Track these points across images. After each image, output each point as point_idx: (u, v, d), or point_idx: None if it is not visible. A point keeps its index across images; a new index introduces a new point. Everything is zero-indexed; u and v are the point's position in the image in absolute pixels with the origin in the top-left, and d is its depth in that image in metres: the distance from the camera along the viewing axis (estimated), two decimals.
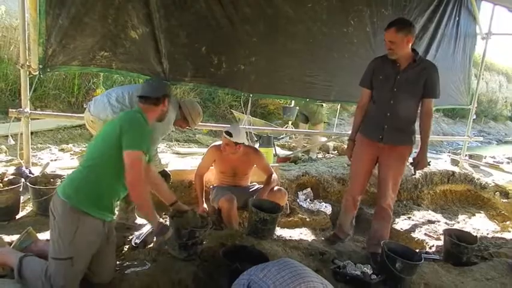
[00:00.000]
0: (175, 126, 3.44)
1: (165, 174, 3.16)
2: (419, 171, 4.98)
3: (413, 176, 5.43)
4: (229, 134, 3.48)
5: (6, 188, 2.90)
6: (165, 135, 3.32)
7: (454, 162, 7.03)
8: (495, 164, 7.00)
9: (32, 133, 3.68)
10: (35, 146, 4.84)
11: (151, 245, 2.87)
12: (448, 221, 4.95)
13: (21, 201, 3.09)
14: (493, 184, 5.72)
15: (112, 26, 3.55)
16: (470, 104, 6.62)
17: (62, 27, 3.32)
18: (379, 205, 3.32)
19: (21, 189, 3.02)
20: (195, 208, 3.39)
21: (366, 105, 3.29)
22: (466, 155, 7.04)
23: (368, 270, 2.89)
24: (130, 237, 3.06)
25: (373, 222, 3.39)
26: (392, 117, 3.09)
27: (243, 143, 3.61)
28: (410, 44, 2.99)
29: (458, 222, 5.07)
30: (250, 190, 3.80)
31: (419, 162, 3.15)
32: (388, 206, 3.27)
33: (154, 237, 2.33)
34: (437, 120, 14.70)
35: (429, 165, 3.24)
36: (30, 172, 3.38)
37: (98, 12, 3.45)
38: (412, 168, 3.26)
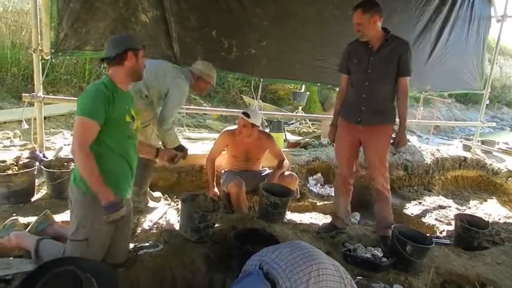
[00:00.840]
0: (196, 92, 3.46)
1: (181, 149, 3.10)
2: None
3: (400, 153, 5.44)
4: (247, 115, 3.49)
5: (22, 171, 2.95)
6: (180, 107, 3.22)
7: (466, 148, 6.95)
8: (508, 150, 6.89)
9: (44, 118, 3.71)
10: (48, 131, 4.89)
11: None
12: (459, 207, 4.93)
13: (36, 184, 3.14)
14: (505, 170, 5.66)
15: (123, 9, 3.56)
16: (484, 89, 6.51)
17: (73, 11, 3.34)
18: (374, 188, 3.32)
19: (35, 173, 3.06)
20: (206, 192, 3.44)
21: (345, 91, 3.27)
22: (478, 140, 6.95)
23: (378, 253, 2.90)
24: (143, 220, 3.11)
25: (375, 206, 3.39)
26: (368, 99, 3.06)
27: (259, 126, 3.64)
28: (378, 24, 2.94)
29: (470, 208, 5.05)
30: (262, 175, 3.80)
31: (399, 141, 3.08)
32: (382, 187, 3.20)
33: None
34: (449, 106, 14.52)
35: (409, 141, 3.23)
36: (44, 156, 3.43)
37: None
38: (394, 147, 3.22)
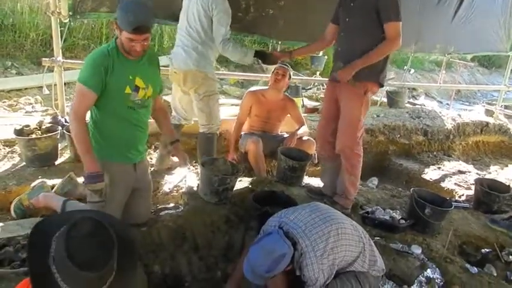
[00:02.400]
0: None
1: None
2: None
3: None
4: (286, 65, 3.60)
5: (45, 135, 3.01)
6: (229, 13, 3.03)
7: (489, 113, 6.80)
8: None
9: (64, 84, 3.74)
10: (68, 97, 4.95)
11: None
12: (479, 172, 4.88)
13: (60, 148, 3.21)
14: None
15: None
16: (510, 51, 6.26)
17: None
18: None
19: (58, 137, 3.13)
20: (225, 156, 3.48)
21: (325, 41, 3.08)
22: (501, 105, 6.77)
23: (397, 215, 2.91)
24: (163, 183, 3.17)
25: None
26: (343, 52, 2.78)
27: (290, 75, 3.68)
28: None
29: (490, 173, 4.99)
30: (280, 138, 3.81)
31: (340, 73, 2.69)
32: (341, 151, 2.86)
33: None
34: (471, 71, 14.07)
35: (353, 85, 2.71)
36: (66, 121, 3.48)
37: None
38: None
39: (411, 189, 3.06)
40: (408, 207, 3.02)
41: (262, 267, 1.75)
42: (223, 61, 8.55)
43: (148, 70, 2.23)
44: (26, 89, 5.18)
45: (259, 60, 3.18)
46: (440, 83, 7.42)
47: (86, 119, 2.11)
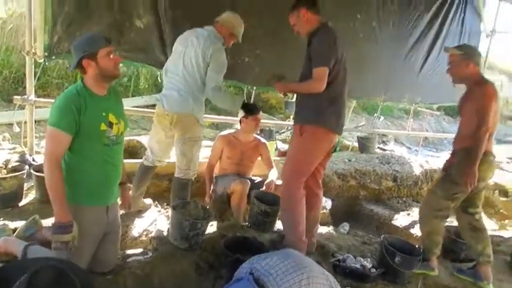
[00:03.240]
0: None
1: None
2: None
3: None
4: (254, 112, 3.68)
5: (10, 174, 2.92)
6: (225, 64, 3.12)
7: None
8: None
9: (35, 121, 3.67)
10: (38, 135, 4.84)
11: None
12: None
13: (25, 188, 3.10)
14: (492, 183, 5.74)
15: (118, 14, 3.57)
16: None
17: (68, 14, 3.34)
18: None
19: (24, 176, 3.03)
20: (197, 199, 3.44)
21: None
22: None
23: (367, 263, 2.91)
24: (132, 226, 3.09)
25: None
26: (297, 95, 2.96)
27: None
28: (306, 18, 2.76)
29: None
30: (255, 182, 3.83)
31: (277, 84, 2.87)
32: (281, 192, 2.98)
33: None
34: (438, 119, 14.69)
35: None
36: (33, 160, 3.39)
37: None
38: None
39: (381, 237, 3.09)
40: (378, 254, 3.03)
41: None
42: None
43: (117, 105, 2.24)
44: None
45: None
46: (408, 131, 7.70)
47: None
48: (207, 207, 3.10)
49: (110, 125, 2.12)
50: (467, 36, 5.98)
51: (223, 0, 3.95)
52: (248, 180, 3.53)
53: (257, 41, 4.27)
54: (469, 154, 2.82)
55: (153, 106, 3.68)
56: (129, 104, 6.44)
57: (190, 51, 3.05)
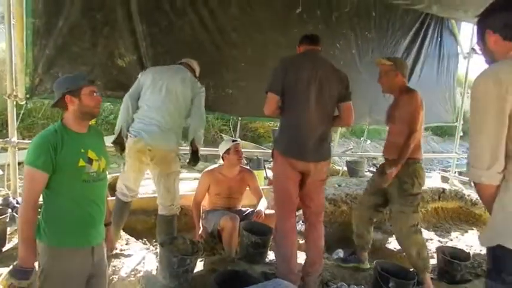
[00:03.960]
0: None
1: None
2: None
3: None
4: (234, 140, 3.72)
5: None
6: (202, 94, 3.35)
7: (444, 179, 7.07)
8: None
9: (19, 163, 3.62)
10: (21, 176, 4.77)
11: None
12: (441, 239, 4.95)
13: (8, 232, 3.02)
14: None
15: (100, 54, 3.61)
16: (457, 121, 6.72)
17: (49, 57, 3.37)
18: None
19: (7, 220, 2.96)
20: (184, 235, 3.38)
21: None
22: (455, 171, 7.09)
23: None
24: (120, 266, 3.00)
25: None
26: None
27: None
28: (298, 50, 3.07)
29: (451, 240, 5.06)
30: (244, 214, 3.78)
31: None
32: None
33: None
34: (426, 139, 14.86)
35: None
36: (17, 202, 3.32)
37: (86, 41, 3.52)
38: None
39: (374, 262, 3.04)
40: (373, 281, 2.98)
41: None
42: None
43: (98, 142, 2.22)
44: None
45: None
46: None
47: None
48: (195, 241, 3.04)
49: (90, 161, 2.08)
50: (446, 58, 6.12)
51: (203, 36, 4.02)
52: (237, 216, 3.47)
53: (240, 72, 4.33)
54: (399, 154, 3.05)
55: None
56: None
57: (177, 87, 3.11)
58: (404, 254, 3.32)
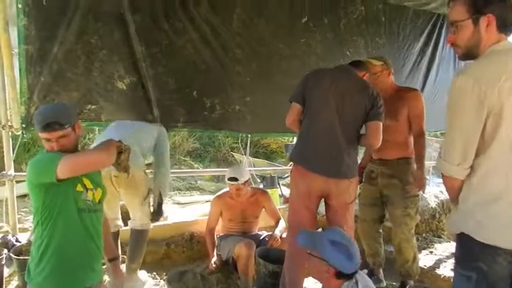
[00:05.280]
0: None
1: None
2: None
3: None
4: (234, 179, 3.36)
5: None
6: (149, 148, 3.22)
7: None
8: None
9: (24, 195, 3.45)
10: (24, 210, 4.59)
11: None
12: None
13: (6, 275, 2.80)
14: None
15: (98, 78, 3.44)
16: None
17: (44, 84, 3.20)
18: None
19: (3, 262, 2.74)
20: (198, 264, 3.13)
21: None
22: None
23: None
24: None
25: None
26: None
27: (249, 179, 3.52)
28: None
29: None
30: (261, 238, 3.53)
31: None
32: None
33: None
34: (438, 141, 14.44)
35: None
36: (17, 240, 3.11)
37: (82, 66, 3.35)
38: None
39: (407, 287, 2.75)
40: None
41: None
42: (197, 156, 8.49)
43: (93, 172, 2.01)
44: None
45: None
46: None
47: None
48: (206, 275, 2.78)
49: (85, 188, 1.92)
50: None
51: (206, 53, 3.84)
52: (253, 242, 3.23)
53: (246, 88, 4.13)
54: (419, 160, 3.06)
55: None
56: None
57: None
58: (400, 260, 3.27)
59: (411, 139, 3.13)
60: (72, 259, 1.86)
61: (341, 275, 1.85)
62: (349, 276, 1.87)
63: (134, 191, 3.00)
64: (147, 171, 3.15)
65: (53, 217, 1.82)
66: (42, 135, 1.86)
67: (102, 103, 3.50)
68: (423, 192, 3.25)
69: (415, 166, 3.13)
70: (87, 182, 1.94)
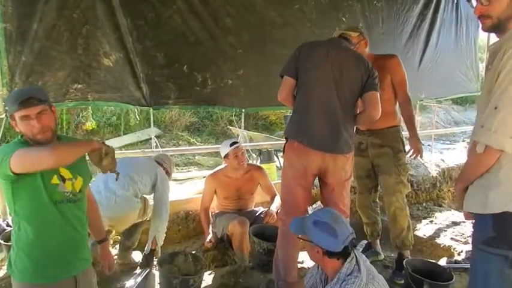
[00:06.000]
0: None
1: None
2: None
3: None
4: (234, 143, 3.38)
5: None
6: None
7: None
8: None
9: None
10: None
11: None
12: (473, 220, 4.53)
13: None
14: None
15: (83, 56, 3.31)
16: (480, 90, 6.22)
17: (26, 64, 3.07)
18: None
19: None
20: (190, 246, 3.10)
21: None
22: None
23: None
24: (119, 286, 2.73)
25: None
26: None
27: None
28: None
29: None
30: (257, 215, 3.49)
31: None
32: None
33: None
34: (447, 109, 14.25)
35: None
36: (7, 225, 3.07)
37: (65, 43, 3.21)
38: None
39: (404, 262, 2.70)
40: (404, 285, 2.64)
41: None
42: (195, 130, 8.40)
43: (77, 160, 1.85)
44: None
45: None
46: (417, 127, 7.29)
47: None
48: (199, 255, 2.74)
49: (62, 179, 1.79)
50: (464, 22, 5.61)
51: (194, 24, 3.66)
52: (246, 219, 3.18)
53: (238, 60, 3.97)
54: (409, 126, 3.08)
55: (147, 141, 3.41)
56: (122, 142, 6.19)
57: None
58: (394, 230, 3.15)
59: (397, 107, 3.09)
60: (52, 250, 1.78)
61: (331, 254, 1.79)
62: (342, 254, 1.81)
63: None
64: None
65: (25, 210, 1.73)
66: (20, 112, 1.68)
67: (88, 82, 3.37)
68: (421, 157, 3.18)
69: (404, 134, 3.13)
70: (65, 172, 1.81)
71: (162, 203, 3.02)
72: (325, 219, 1.84)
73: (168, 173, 3.29)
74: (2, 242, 2.71)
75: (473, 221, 1.65)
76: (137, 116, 6.15)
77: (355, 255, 1.85)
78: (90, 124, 6.06)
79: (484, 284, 1.56)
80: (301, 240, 1.99)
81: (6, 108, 1.73)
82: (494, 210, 1.52)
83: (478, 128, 1.52)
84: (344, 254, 1.82)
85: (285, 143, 2.57)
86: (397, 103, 3.10)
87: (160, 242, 2.98)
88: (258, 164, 5.02)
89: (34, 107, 1.68)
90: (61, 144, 1.82)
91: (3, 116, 3.06)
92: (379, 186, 3.25)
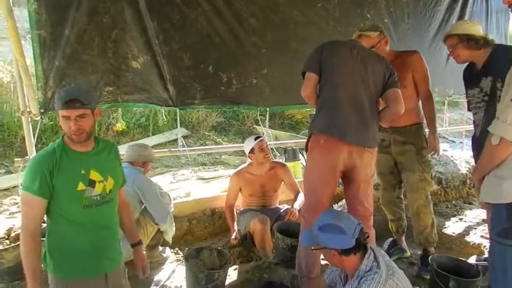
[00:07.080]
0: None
1: None
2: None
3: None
4: (258, 137, 3.47)
5: (13, 244, 2.74)
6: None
7: None
8: None
9: None
10: None
11: None
12: None
13: None
14: None
15: (112, 59, 3.43)
16: None
17: (59, 68, 3.21)
18: None
19: None
20: (216, 243, 3.17)
21: None
22: None
23: None
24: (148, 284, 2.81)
25: None
26: None
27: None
28: None
29: None
30: (281, 211, 3.52)
31: None
32: None
33: None
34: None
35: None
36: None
37: (97, 47, 3.33)
38: None
39: (429, 258, 2.67)
40: (429, 281, 2.62)
41: None
42: (221, 130, 8.49)
43: (106, 160, 1.98)
44: (14, 187, 5.01)
45: None
46: (445, 125, 7.13)
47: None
48: (223, 250, 2.80)
49: (92, 183, 1.88)
50: (494, 14, 5.47)
51: (219, 25, 3.73)
52: (267, 217, 3.23)
53: (262, 60, 4.02)
54: (430, 124, 3.05)
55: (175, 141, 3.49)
56: (150, 142, 6.35)
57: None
58: (418, 227, 3.13)
59: (420, 104, 3.07)
60: (83, 251, 1.88)
61: (346, 251, 1.81)
62: (357, 248, 1.82)
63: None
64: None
65: (55, 213, 1.85)
66: (62, 112, 1.79)
67: (118, 84, 3.50)
68: (438, 155, 3.19)
69: (424, 130, 3.11)
70: (95, 175, 1.89)
71: (157, 211, 2.95)
72: (329, 220, 1.85)
73: (146, 163, 3.20)
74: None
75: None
76: (165, 117, 6.30)
77: (373, 251, 1.85)
78: (120, 125, 6.25)
79: (504, 277, 1.55)
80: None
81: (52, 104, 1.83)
82: (507, 200, 1.54)
83: (494, 119, 1.54)
84: (359, 247, 1.82)
85: (307, 142, 2.57)
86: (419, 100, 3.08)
87: (170, 240, 3.09)
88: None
89: (76, 109, 1.78)
90: (31, 257, 1.80)
91: (39, 117, 3.22)
92: (403, 183, 3.23)
